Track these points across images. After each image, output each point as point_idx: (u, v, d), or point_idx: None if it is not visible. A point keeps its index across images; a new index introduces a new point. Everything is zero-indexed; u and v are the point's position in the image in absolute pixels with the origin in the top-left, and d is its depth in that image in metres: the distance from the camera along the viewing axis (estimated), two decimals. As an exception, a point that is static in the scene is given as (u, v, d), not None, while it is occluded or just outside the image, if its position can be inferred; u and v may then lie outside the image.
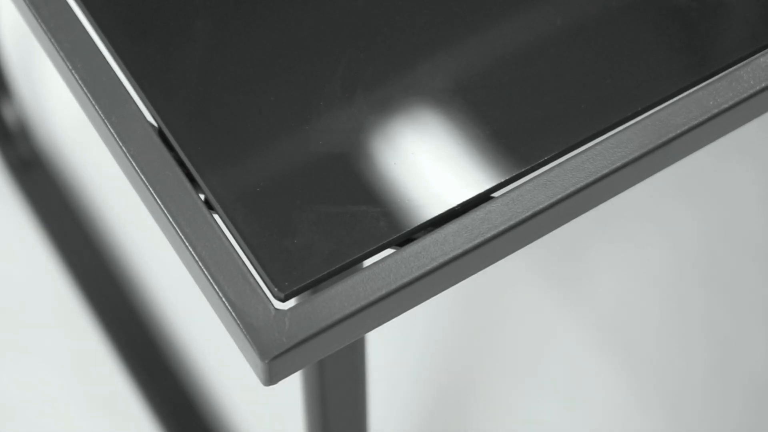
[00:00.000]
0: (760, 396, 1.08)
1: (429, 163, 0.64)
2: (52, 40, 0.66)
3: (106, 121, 0.64)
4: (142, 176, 0.63)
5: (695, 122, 0.64)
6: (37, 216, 1.14)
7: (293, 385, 1.06)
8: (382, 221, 0.62)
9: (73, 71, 0.65)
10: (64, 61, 0.66)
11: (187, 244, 0.61)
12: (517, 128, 0.65)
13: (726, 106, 0.65)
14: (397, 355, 1.10)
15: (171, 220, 0.61)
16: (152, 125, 0.64)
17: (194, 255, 0.61)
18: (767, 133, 1.20)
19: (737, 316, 1.12)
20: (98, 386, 1.08)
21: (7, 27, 1.20)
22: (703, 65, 0.67)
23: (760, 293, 1.13)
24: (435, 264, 0.61)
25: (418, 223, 0.62)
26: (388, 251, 0.62)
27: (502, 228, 0.62)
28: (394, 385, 1.09)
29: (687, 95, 0.65)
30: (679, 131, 0.64)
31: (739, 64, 0.66)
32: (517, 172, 0.64)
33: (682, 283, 1.13)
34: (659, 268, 1.14)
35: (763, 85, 0.66)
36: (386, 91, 0.66)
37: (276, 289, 0.60)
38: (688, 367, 1.09)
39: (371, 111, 0.65)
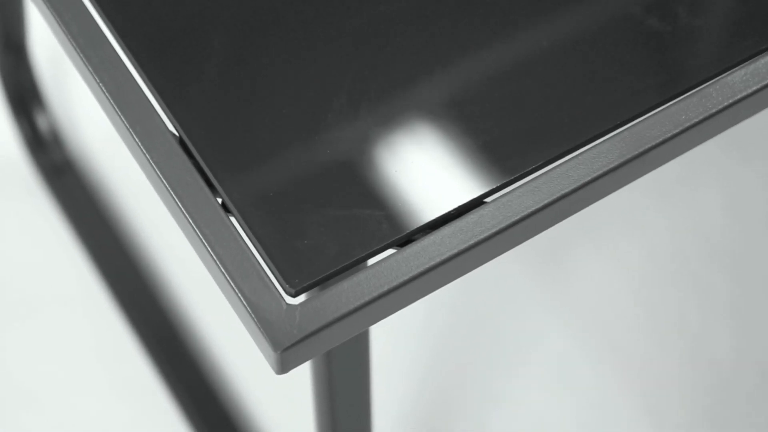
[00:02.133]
0: (726, 383, 1.08)
1: (427, 171, 0.64)
2: (82, 56, 0.66)
3: (131, 131, 0.64)
4: (165, 182, 0.63)
5: (668, 135, 0.65)
6: (67, 216, 1.14)
7: (303, 374, 1.06)
8: (384, 224, 0.62)
9: (101, 85, 0.65)
10: (92, 75, 0.66)
11: (205, 244, 0.61)
12: (507, 140, 0.65)
13: (696, 120, 0.65)
14: (395, 349, 1.10)
15: (191, 222, 0.62)
16: (174, 135, 0.64)
17: (212, 254, 0.61)
18: (729, 146, 1.20)
19: (704, 311, 1.12)
20: (122, 372, 1.08)
21: (39, 43, 1.20)
22: (676, 84, 0.67)
23: (724, 290, 1.13)
24: (433, 263, 0.61)
25: (418, 226, 0.62)
26: (390, 251, 0.62)
27: (493, 230, 0.62)
28: (394, 376, 1.08)
29: (661, 110, 0.65)
30: (654, 143, 0.64)
31: (708, 83, 0.66)
32: (507, 180, 0.64)
33: (655, 280, 1.13)
34: (635, 267, 1.14)
35: (730, 101, 0.66)
36: (388, 105, 0.66)
37: (287, 286, 0.60)
38: (664, 357, 1.09)
39: (374, 123, 0.66)
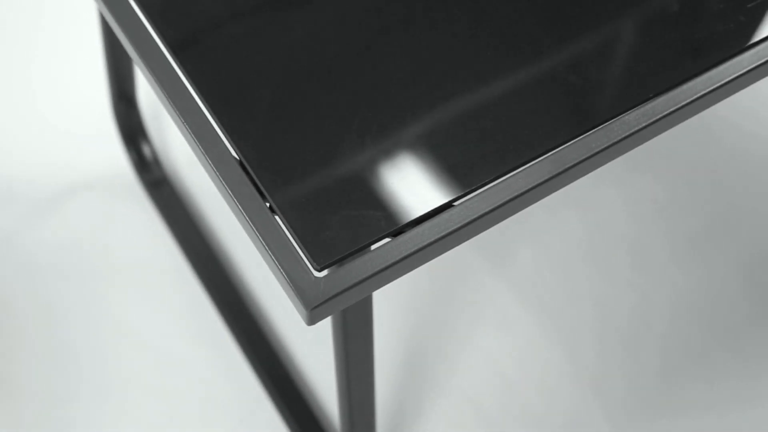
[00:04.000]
0: (635, 336, 1.08)
1: (414, 183, 0.64)
2: (171, 103, 0.66)
3: (206, 156, 0.64)
4: (230, 191, 0.63)
5: (582, 158, 0.64)
6: (164, 217, 1.14)
7: (326, 325, 1.07)
8: (383, 221, 0.62)
9: (185, 124, 0.65)
10: (179, 117, 0.65)
11: (258, 235, 0.61)
12: (468, 162, 0.65)
13: (602, 147, 0.65)
14: (389, 309, 1.10)
15: (248, 220, 0.61)
16: (235, 159, 0.64)
17: (263, 242, 0.61)
18: (626, 160, 1.20)
19: (608, 282, 1.12)
20: (202, 324, 1.08)
21: (143, 93, 1.20)
22: (589, 121, 0.66)
23: (624, 265, 1.13)
24: (417, 248, 0.61)
25: (406, 221, 0.62)
26: (387, 240, 0.61)
27: (459, 225, 0.62)
28: (387, 328, 1.09)
29: (577, 140, 0.65)
30: (572, 164, 0.64)
31: (611, 120, 0.66)
32: (468, 190, 0.63)
33: (571, 260, 1.13)
34: (557, 250, 1.14)
35: (627, 133, 0.65)
36: (386, 137, 0.66)
37: (315, 264, 0.60)
38: (578, 313, 1.09)
39: (376, 149, 0.65)
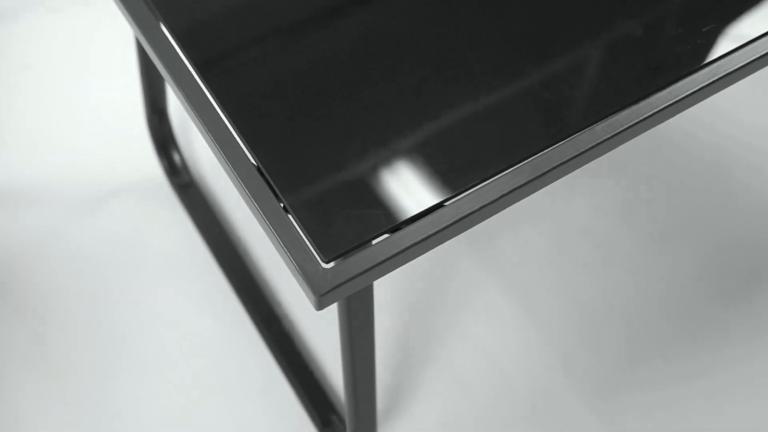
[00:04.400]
0: (601, 319, 1.08)
1: (410, 186, 0.64)
2: (197, 116, 0.66)
3: (228, 163, 0.64)
4: (248, 193, 0.63)
5: (556, 164, 0.64)
6: (192, 216, 1.14)
7: (332, 310, 1.07)
8: (382, 218, 0.62)
9: (209, 134, 0.65)
10: (204, 128, 0.65)
11: (273, 231, 0.61)
12: (458, 168, 0.65)
13: (573, 155, 0.65)
14: (386, 296, 1.10)
15: (264, 218, 0.61)
16: (253, 165, 0.64)
17: (277, 237, 0.61)
18: (595, 170, 1.20)
19: (578, 274, 1.12)
20: (222, 306, 1.08)
21: (173, 107, 1.20)
22: (561, 132, 0.66)
23: (590, 260, 1.12)
24: (412, 242, 0.61)
25: (403, 219, 0.62)
26: (386, 235, 0.61)
27: (449, 222, 0.62)
28: (384, 309, 1.09)
29: (551, 149, 0.65)
30: (547, 170, 0.64)
31: (580, 132, 0.66)
32: (457, 192, 0.63)
33: (547, 253, 1.13)
34: (536, 245, 1.14)
35: (595, 143, 0.65)
36: (386, 145, 0.66)
37: (323, 257, 0.60)
38: (554, 298, 1.09)
39: (377, 156, 0.65)
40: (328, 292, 0.58)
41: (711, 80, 0.68)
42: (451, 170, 0.64)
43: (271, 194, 0.62)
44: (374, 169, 0.64)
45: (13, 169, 1.16)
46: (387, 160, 0.65)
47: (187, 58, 0.68)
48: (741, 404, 1.03)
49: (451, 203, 0.62)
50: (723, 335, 1.06)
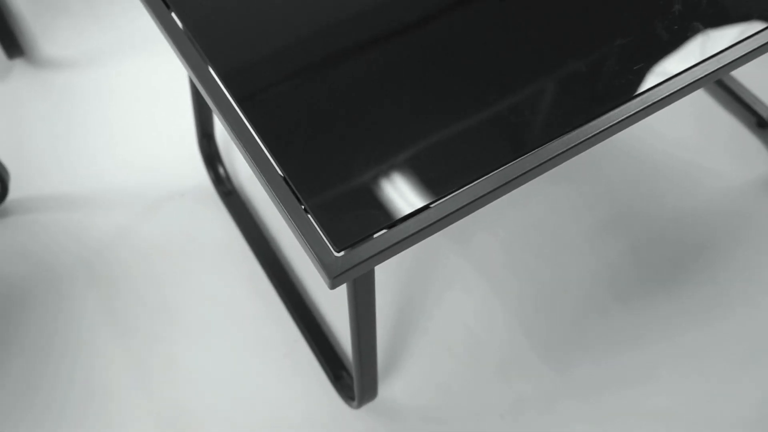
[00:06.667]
0: (555, 295, 1.07)
1: (404, 192, 0.63)
2: (237, 138, 0.65)
3: (262, 175, 0.63)
4: (277, 198, 0.61)
5: (519, 174, 0.63)
6: (233, 216, 1.14)
7: (342, 289, 1.06)
8: (381, 217, 0.61)
9: (246, 152, 0.64)
10: (242, 147, 0.64)
11: (297, 227, 0.60)
12: (441, 177, 0.63)
13: (533, 166, 0.63)
14: (382, 280, 1.10)
15: (290, 217, 0.60)
16: (280, 175, 0.63)
17: (300, 232, 0.59)
18: (551, 178, 1.19)
19: (538, 264, 1.11)
20: (259, 288, 1.08)
21: (219, 131, 1.20)
22: (522, 148, 0.65)
23: (549, 246, 1.12)
24: (405, 236, 0.60)
25: (398, 218, 0.61)
26: (384, 230, 0.60)
27: (434, 220, 0.60)
28: (381, 290, 1.08)
29: (515, 162, 0.64)
30: (512, 178, 0.63)
31: (543, 145, 0.65)
32: (441, 196, 0.62)
33: (513, 247, 1.12)
34: (505, 239, 1.13)
35: (551, 156, 0.64)
36: (384, 159, 0.65)
37: (335, 247, 0.59)
38: (521, 281, 1.09)
39: (378, 168, 0.64)
40: (339, 275, 0.58)
41: (642, 107, 0.67)
42: (436, 179, 0.63)
43: (295, 199, 0.61)
44: (376, 178, 0.64)
45: (97, 179, 1.16)
46: (386, 171, 0.64)
47: (229, 93, 0.67)
48: (666, 357, 1.02)
49: (435, 205, 0.61)
50: (652, 306, 1.05)
